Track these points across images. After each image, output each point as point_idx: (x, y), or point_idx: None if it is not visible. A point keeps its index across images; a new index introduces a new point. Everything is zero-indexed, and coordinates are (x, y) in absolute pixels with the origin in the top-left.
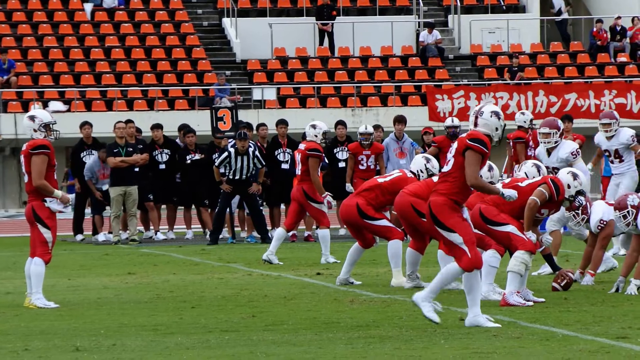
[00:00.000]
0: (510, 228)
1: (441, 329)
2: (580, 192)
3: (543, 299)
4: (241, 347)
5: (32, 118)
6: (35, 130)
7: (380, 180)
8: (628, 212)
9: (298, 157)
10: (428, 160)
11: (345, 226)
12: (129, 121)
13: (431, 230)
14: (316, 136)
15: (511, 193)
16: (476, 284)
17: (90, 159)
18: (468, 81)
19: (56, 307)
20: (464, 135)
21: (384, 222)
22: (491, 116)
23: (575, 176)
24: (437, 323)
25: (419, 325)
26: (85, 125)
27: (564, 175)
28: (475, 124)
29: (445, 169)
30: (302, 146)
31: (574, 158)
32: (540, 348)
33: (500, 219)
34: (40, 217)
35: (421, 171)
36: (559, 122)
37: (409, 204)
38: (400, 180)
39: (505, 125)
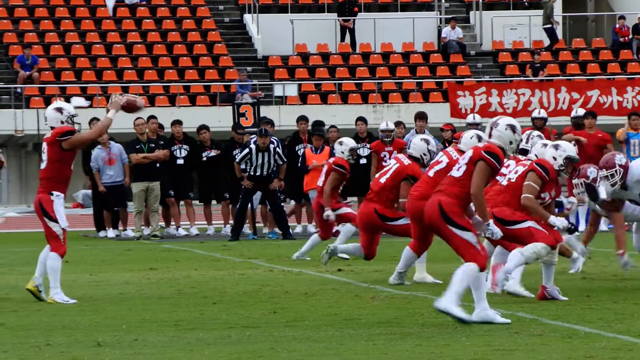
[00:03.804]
0: (530, 223)
1: (462, 326)
2: (568, 158)
3: (566, 298)
4: (262, 343)
5: (59, 110)
6: (62, 122)
7: (383, 180)
8: (616, 171)
9: (324, 169)
10: (428, 142)
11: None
12: (151, 117)
13: (441, 229)
14: (342, 152)
15: (495, 230)
16: (483, 280)
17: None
18: (490, 78)
19: (75, 303)
20: (480, 144)
21: (404, 221)
22: (506, 129)
23: (556, 147)
24: (467, 321)
25: (440, 322)
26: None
27: (546, 151)
28: (490, 135)
29: (456, 173)
30: (330, 160)
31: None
32: (562, 345)
33: (517, 217)
34: (47, 210)
35: (424, 154)
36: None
37: (421, 208)
38: (400, 171)
39: (521, 140)
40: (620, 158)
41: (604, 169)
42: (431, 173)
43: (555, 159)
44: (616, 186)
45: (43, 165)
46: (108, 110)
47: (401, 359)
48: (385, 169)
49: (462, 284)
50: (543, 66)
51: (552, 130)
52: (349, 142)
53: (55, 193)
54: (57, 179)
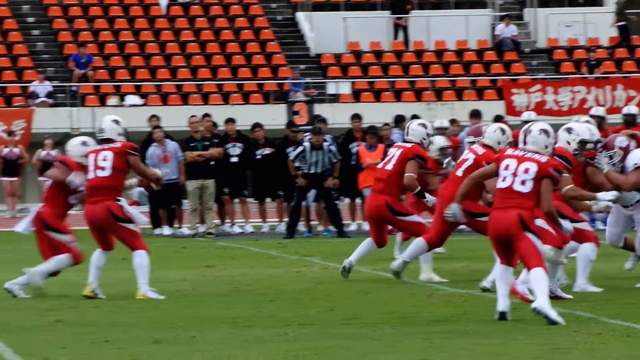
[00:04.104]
0: (540, 222)
1: (520, 325)
2: (582, 142)
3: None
4: (319, 340)
5: (117, 122)
6: (119, 134)
7: (390, 167)
8: (615, 152)
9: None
10: (425, 126)
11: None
12: (206, 115)
13: (517, 236)
14: (432, 152)
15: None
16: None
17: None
18: (545, 75)
19: (163, 298)
20: (543, 160)
21: (414, 218)
22: (540, 134)
23: (569, 130)
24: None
25: (498, 321)
26: (153, 118)
27: (560, 139)
28: (525, 142)
29: (523, 188)
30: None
31: None
32: (621, 344)
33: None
34: (120, 215)
35: (424, 139)
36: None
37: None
38: (405, 154)
39: (555, 142)
40: (621, 140)
41: (604, 150)
42: (459, 172)
43: (569, 143)
44: (615, 167)
45: (103, 173)
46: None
47: (459, 357)
48: (387, 159)
49: (545, 285)
50: (599, 63)
51: (610, 128)
52: (439, 141)
53: (119, 199)
54: (117, 188)
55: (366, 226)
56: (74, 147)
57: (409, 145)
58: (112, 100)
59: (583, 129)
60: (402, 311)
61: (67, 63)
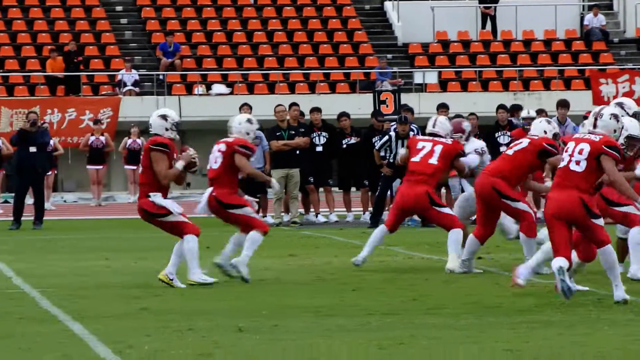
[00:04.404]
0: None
1: (605, 315)
2: (630, 137)
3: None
4: (402, 330)
5: (164, 117)
6: (166, 129)
7: (433, 161)
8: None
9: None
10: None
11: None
12: (293, 104)
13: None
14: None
15: None
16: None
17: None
18: (633, 65)
19: (213, 282)
20: (596, 139)
21: (447, 210)
22: (610, 118)
23: (548, 122)
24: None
25: (582, 311)
26: (244, 106)
27: (538, 126)
28: (595, 125)
29: (578, 168)
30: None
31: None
32: None
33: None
34: (152, 212)
35: (448, 135)
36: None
37: (490, 185)
38: (449, 150)
39: (622, 126)
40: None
41: None
42: (510, 152)
43: (545, 132)
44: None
45: (140, 170)
46: (177, 161)
47: (543, 348)
48: (424, 152)
49: (616, 265)
50: None
51: None
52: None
53: (152, 194)
54: (150, 184)
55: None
56: (239, 125)
57: (448, 141)
58: (199, 89)
59: (633, 124)
60: (486, 301)
61: (154, 52)
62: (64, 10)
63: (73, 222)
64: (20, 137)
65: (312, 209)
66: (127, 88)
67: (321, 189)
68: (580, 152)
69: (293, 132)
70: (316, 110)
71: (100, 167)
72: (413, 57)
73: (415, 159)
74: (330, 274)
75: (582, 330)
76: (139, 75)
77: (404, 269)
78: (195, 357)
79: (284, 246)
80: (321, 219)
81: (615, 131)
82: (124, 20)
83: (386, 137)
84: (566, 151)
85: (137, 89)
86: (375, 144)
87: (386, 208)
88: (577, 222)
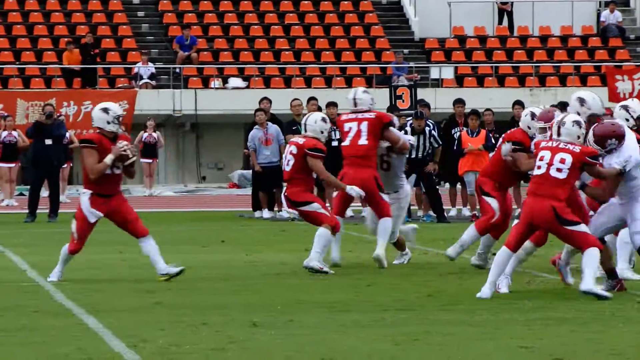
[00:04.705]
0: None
1: (620, 313)
2: (543, 129)
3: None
4: (417, 326)
5: (105, 110)
6: (108, 123)
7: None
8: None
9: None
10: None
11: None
12: (312, 99)
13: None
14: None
15: None
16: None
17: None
18: None
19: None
20: (577, 150)
21: (386, 198)
22: (573, 125)
23: (532, 115)
24: (610, 298)
25: (596, 308)
26: (264, 100)
27: (523, 122)
28: (559, 134)
29: (560, 175)
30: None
31: None
32: None
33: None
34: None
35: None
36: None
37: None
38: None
39: (584, 133)
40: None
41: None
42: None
43: (529, 128)
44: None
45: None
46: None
47: (558, 345)
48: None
49: (594, 266)
50: None
51: None
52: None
53: (83, 191)
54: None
55: (466, 212)
56: (314, 123)
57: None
58: (215, 83)
59: (596, 101)
60: (501, 297)
61: (171, 45)
62: (81, 2)
63: None
64: (36, 129)
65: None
66: (143, 81)
67: None
68: (562, 162)
69: None
70: (332, 104)
71: None
72: (429, 52)
73: (346, 142)
74: (344, 269)
75: (596, 328)
76: (156, 68)
77: (419, 264)
78: (209, 352)
79: (299, 241)
80: None
81: (579, 137)
82: (141, 13)
83: (402, 132)
84: (541, 159)
85: (153, 82)
86: None
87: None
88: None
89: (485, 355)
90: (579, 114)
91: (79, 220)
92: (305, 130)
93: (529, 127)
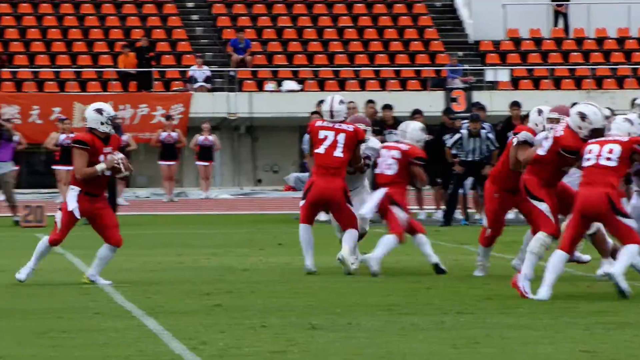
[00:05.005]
0: (544, 207)
1: None
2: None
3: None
4: (477, 329)
5: (99, 111)
6: (102, 124)
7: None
8: None
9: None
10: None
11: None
12: (369, 102)
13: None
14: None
15: None
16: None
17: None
18: None
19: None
20: (625, 139)
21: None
22: (624, 121)
23: (539, 112)
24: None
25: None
26: (320, 103)
27: (531, 120)
28: (609, 129)
29: (610, 163)
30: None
31: None
32: None
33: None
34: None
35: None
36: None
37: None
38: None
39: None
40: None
41: None
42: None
43: (536, 125)
44: None
45: None
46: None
47: (619, 349)
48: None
49: (629, 260)
50: None
51: None
52: None
53: (71, 186)
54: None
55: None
56: (414, 131)
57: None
58: (270, 86)
59: (598, 117)
60: (562, 301)
61: (225, 48)
62: (136, 6)
63: (145, 218)
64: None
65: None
66: (198, 84)
67: None
68: (610, 152)
69: None
70: (388, 107)
71: (172, 163)
72: (484, 55)
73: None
74: (403, 272)
75: None
76: (210, 71)
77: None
78: (269, 354)
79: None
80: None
81: (629, 134)
82: (195, 17)
83: (458, 135)
84: (589, 152)
85: (208, 85)
86: (447, 141)
87: (458, 206)
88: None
89: (545, 359)
90: (580, 128)
91: (65, 213)
92: (404, 137)
93: (537, 125)
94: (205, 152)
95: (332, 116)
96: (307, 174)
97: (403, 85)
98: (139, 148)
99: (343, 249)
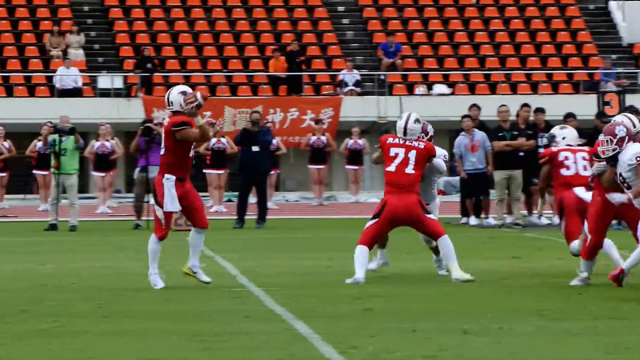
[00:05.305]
0: None
1: None
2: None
3: None
4: (630, 335)
5: (185, 93)
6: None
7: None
8: (609, 139)
9: None
10: None
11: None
12: (524, 105)
13: None
14: None
15: None
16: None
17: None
18: None
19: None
20: None
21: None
22: None
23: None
24: None
25: None
26: (473, 107)
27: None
28: None
29: None
30: None
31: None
32: None
33: None
34: (157, 194)
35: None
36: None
37: None
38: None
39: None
40: (620, 129)
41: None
42: None
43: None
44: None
45: (161, 152)
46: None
47: None
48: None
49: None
50: None
51: None
52: None
53: (166, 176)
54: (171, 165)
55: None
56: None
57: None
58: (420, 89)
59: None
60: None
61: (375, 52)
62: (287, 10)
63: (295, 222)
64: (244, 136)
65: (535, 211)
66: (348, 88)
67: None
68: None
69: (516, 133)
70: (540, 110)
71: (322, 166)
72: (638, 58)
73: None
74: (554, 277)
75: None
76: (360, 75)
77: (631, 272)
78: (420, 359)
79: (506, 248)
80: (544, 220)
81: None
82: (345, 21)
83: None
84: None
85: (358, 89)
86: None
87: None
88: None
89: None
90: None
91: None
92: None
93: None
94: (355, 156)
95: (405, 133)
96: (457, 178)
97: (555, 88)
98: (288, 152)
99: (452, 269)
